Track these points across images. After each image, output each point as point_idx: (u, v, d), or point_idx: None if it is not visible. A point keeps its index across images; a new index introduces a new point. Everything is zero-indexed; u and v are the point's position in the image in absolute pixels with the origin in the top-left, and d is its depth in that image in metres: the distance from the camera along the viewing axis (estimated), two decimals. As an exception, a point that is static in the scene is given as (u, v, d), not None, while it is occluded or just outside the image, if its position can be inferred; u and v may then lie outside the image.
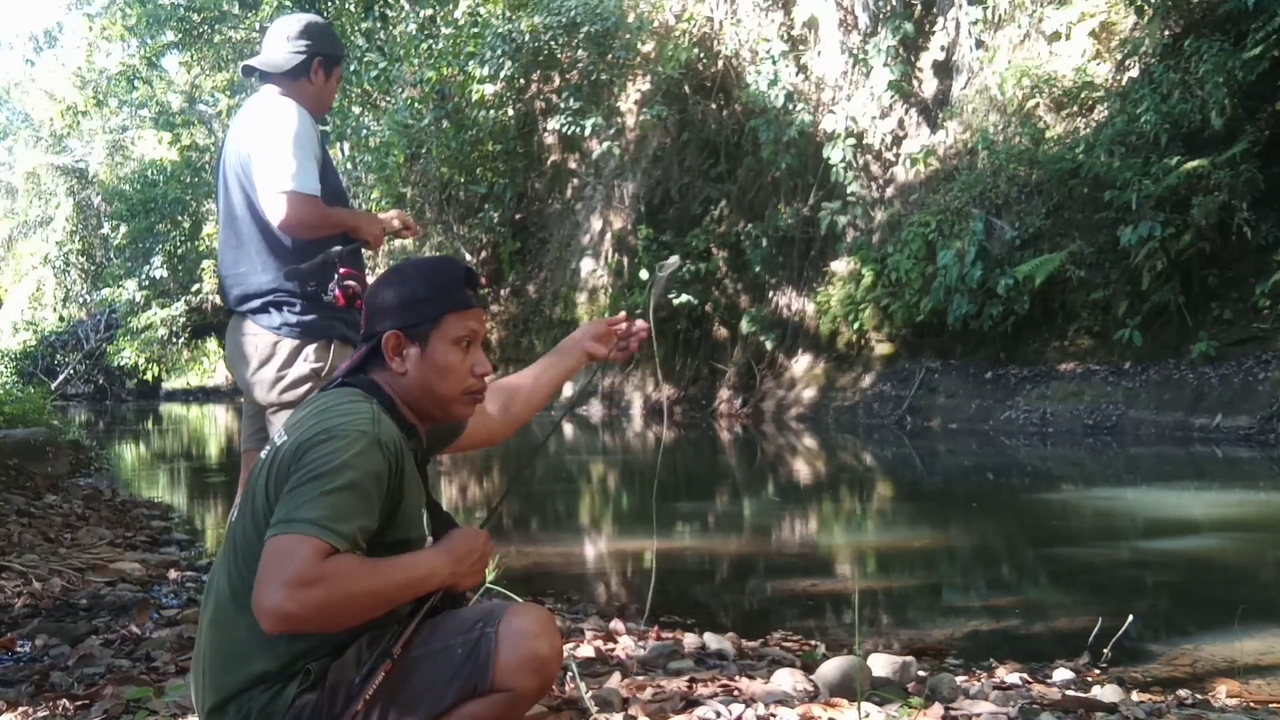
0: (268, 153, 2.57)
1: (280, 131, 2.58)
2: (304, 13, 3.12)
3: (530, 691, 1.60)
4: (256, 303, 2.68)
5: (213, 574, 1.67)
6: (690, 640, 3.15)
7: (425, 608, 1.59)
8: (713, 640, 3.12)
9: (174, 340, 24.07)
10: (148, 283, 23.92)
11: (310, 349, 2.67)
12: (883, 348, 13.72)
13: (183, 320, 23.70)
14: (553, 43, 16.34)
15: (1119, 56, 12.35)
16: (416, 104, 17.89)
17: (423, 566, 1.56)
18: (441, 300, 1.70)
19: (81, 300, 29.67)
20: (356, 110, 18.59)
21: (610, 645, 3.06)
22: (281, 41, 2.77)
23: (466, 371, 1.72)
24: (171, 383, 29.09)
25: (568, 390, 12.43)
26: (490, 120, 17.76)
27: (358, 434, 1.53)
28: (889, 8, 14.62)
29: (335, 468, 1.48)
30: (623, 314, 2.24)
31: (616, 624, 3.38)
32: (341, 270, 2.62)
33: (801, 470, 9.43)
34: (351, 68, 17.63)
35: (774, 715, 2.30)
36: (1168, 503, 6.50)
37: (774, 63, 14.65)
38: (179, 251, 24.06)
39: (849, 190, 14.12)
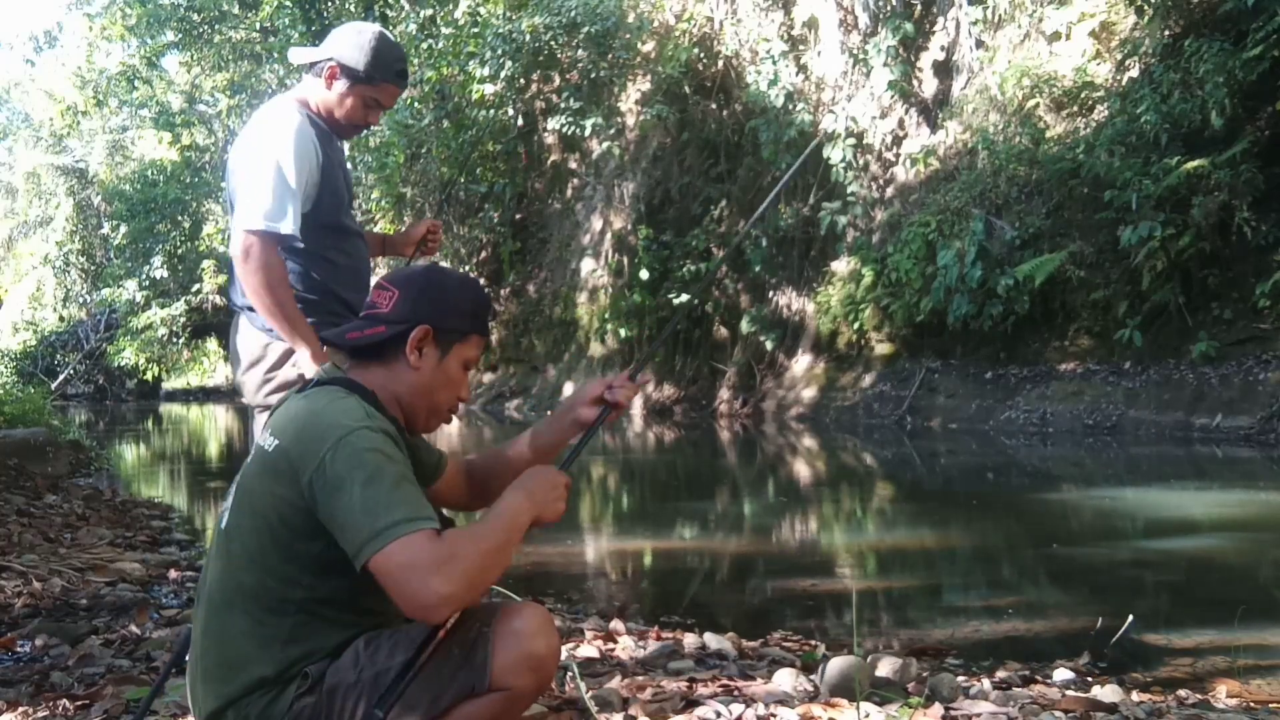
0: (248, 180, 2.46)
1: (265, 157, 2.44)
2: (366, 22, 3.04)
3: (528, 690, 1.60)
4: (253, 300, 2.66)
5: (203, 580, 1.66)
6: (690, 640, 3.14)
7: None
8: (713, 640, 3.12)
9: (174, 340, 24.09)
10: (148, 283, 23.95)
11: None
12: (883, 348, 13.72)
13: (183, 320, 23.73)
14: (553, 43, 16.34)
15: (1119, 56, 12.34)
16: (416, 104, 17.90)
17: (509, 509, 1.58)
18: (476, 318, 1.78)
19: (81, 300, 29.69)
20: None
21: (610, 645, 3.06)
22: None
23: (459, 390, 1.77)
24: (171, 383, 29.14)
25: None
26: (490, 120, 17.76)
27: (362, 427, 1.54)
28: (889, 8, 14.61)
29: (375, 468, 1.49)
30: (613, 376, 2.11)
31: (616, 624, 3.37)
32: None
33: (801, 470, 9.42)
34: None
35: (774, 715, 2.30)
36: (1168, 503, 6.49)
37: (774, 63, 14.64)
38: (179, 251, 24.10)
39: (849, 190, 14.12)
